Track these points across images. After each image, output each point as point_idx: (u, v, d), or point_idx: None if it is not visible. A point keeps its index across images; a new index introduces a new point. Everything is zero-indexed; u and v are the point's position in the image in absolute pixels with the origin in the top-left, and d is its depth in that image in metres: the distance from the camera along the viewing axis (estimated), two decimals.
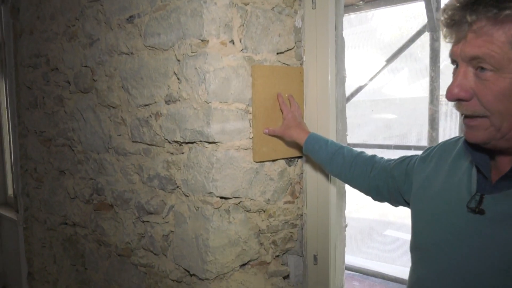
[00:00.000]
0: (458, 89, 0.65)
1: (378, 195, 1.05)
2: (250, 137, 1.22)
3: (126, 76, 1.40)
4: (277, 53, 1.27)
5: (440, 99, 2.59)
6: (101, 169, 1.58)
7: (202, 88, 1.13)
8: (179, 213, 1.27)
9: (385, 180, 1.01)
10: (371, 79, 2.31)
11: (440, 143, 0.89)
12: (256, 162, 1.23)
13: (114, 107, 1.48)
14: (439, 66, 2.48)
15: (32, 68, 1.95)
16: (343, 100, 1.39)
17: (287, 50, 1.30)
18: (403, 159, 0.98)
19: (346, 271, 2.14)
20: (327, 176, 1.30)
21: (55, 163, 1.87)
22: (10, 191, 3.42)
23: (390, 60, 2.81)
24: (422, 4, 2.61)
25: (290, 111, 1.23)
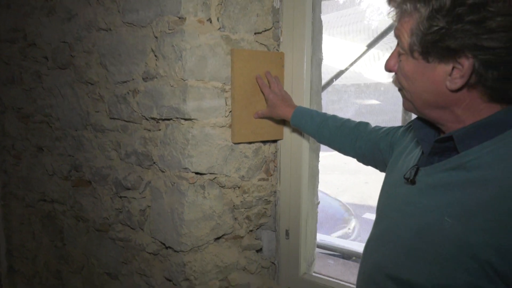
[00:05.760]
0: (391, 63, 0.73)
1: (366, 162, 1.12)
2: (226, 115, 1.25)
3: (105, 53, 1.40)
4: (255, 33, 1.30)
5: None
6: (79, 146, 1.59)
7: (178, 65, 1.15)
8: (156, 188, 1.30)
9: (371, 151, 1.06)
10: (351, 64, 2.33)
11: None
12: (235, 143, 1.27)
13: (92, 84, 1.49)
14: None
15: (9, 43, 1.92)
16: (319, 82, 1.43)
17: (265, 31, 1.32)
18: (388, 131, 1.02)
19: (322, 250, 2.22)
20: (300, 155, 1.34)
21: (33, 140, 1.86)
22: None
23: (372, 45, 2.84)
24: None
25: (271, 91, 1.26)
